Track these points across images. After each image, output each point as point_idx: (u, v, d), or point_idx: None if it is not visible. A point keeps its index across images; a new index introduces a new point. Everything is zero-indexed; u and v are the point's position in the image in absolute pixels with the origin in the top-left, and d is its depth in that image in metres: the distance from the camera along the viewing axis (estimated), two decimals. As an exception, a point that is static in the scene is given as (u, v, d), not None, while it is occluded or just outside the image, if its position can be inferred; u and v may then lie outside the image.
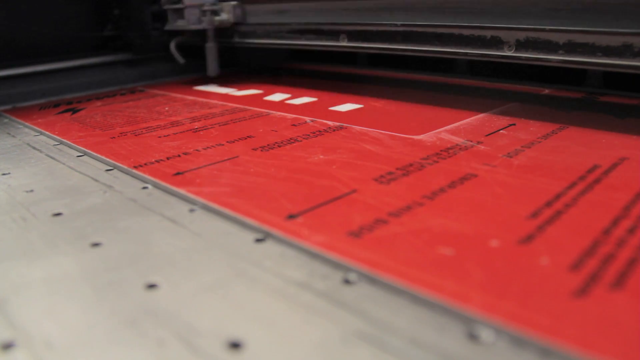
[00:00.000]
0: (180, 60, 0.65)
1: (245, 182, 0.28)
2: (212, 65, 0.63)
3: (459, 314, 0.17)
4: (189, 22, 0.61)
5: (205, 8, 0.60)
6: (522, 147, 0.32)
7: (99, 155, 0.35)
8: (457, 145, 0.33)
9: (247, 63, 0.75)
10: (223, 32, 0.62)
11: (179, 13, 0.62)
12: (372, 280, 0.19)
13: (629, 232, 0.21)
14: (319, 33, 0.52)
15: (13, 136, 0.43)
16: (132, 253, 0.22)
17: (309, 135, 0.37)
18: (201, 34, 0.62)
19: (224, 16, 0.60)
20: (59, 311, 0.18)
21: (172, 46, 0.65)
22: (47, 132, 0.42)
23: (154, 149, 0.35)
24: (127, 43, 0.71)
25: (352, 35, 0.49)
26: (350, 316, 0.17)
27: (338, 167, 0.30)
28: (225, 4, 0.60)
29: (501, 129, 0.36)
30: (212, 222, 0.25)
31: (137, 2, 0.71)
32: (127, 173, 0.32)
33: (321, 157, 0.32)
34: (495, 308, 0.17)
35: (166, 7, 0.63)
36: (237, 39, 0.62)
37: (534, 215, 0.23)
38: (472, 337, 0.16)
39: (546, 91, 0.48)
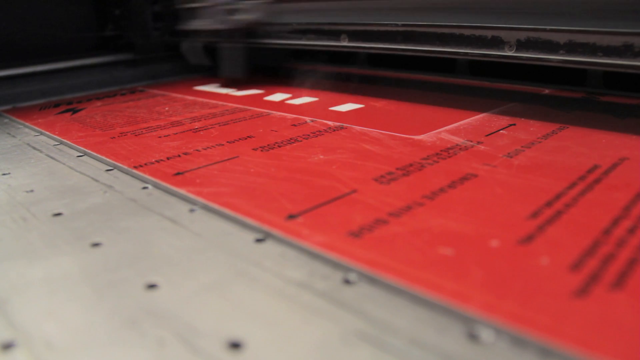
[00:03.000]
0: (208, 62, 0.62)
1: (246, 182, 0.28)
2: (238, 66, 0.58)
3: (459, 314, 0.17)
4: (214, 21, 0.57)
5: (232, 7, 0.57)
6: (522, 147, 0.32)
7: (99, 156, 0.35)
8: (457, 145, 0.33)
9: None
10: (243, 32, 0.60)
11: (194, 13, 0.59)
12: (372, 280, 0.19)
13: (629, 232, 0.21)
14: (319, 33, 0.52)
15: (13, 136, 0.43)
16: (132, 253, 0.22)
17: (309, 135, 0.37)
18: (218, 34, 0.59)
19: (250, 15, 0.56)
20: (59, 311, 0.18)
21: (198, 48, 0.62)
22: (47, 132, 0.42)
23: (154, 149, 0.35)
24: (127, 43, 0.71)
25: (353, 35, 0.49)
26: (350, 316, 0.17)
27: (338, 167, 0.30)
28: (253, 2, 0.57)
29: (501, 129, 0.36)
30: (212, 222, 0.25)
31: (138, 2, 0.71)
32: (127, 173, 0.32)
33: (321, 157, 0.32)
34: (495, 308, 0.17)
35: (182, 5, 0.61)
36: (260, 40, 0.59)
37: (534, 215, 0.23)
38: (472, 337, 0.16)
39: (546, 91, 0.48)
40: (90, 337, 0.17)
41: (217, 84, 0.61)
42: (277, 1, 0.56)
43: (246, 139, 0.37)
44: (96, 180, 0.31)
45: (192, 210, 0.26)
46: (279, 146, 0.35)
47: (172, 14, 0.71)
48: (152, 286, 0.19)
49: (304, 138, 0.36)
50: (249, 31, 0.58)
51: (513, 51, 0.38)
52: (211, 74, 0.67)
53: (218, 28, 0.58)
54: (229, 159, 0.32)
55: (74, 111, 0.50)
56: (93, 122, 0.45)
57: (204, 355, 0.16)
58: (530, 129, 0.36)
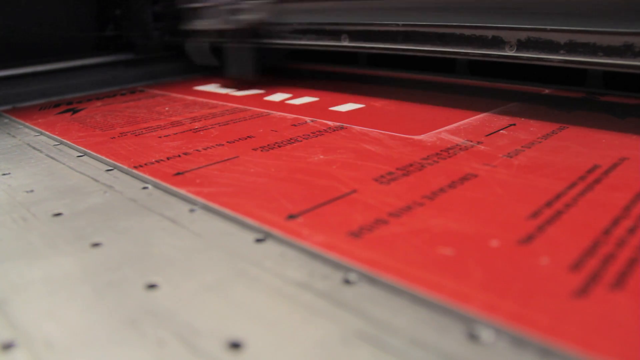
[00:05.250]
0: (215, 62, 0.61)
1: (246, 182, 0.28)
2: (248, 67, 0.57)
3: (459, 314, 0.17)
4: (220, 20, 0.56)
5: (237, 7, 0.56)
6: (522, 147, 0.32)
7: (99, 156, 0.35)
8: (457, 145, 0.33)
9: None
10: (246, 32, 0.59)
11: (200, 12, 0.58)
12: (372, 280, 0.19)
13: (629, 232, 0.21)
14: (320, 33, 0.52)
15: (13, 136, 0.43)
16: (132, 253, 0.22)
17: (309, 135, 0.37)
18: (222, 34, 0.58)
19: (257, 15, 0.55)
20: (59, 311, 0.18)
21: (207, 49, 0.61)
22: (47, 132, 0.42)
23: (154, 149, 0.35)
24: (128, 43, 0.71)
25: (353, 35, 0.49)
26: (350, 316, 0.17)
27: (338, 167, 0.30)
28: (258, 2, 0.56)
29: (501, 129, 0.36)
30: (212, 222, 0.25)
31: (139, 2, 0.71)
32: (127, 173, 0.32)
33: (321, 157, 0.32)
34: (495, 308, 0.17)
35: (187, 5, 0.60)
36: (266, 39, 0.59)
37: (534, 215, 0.23)
38: (472, 337, 0.16)
39: (546, 91, 0.48)
40: (90, 337, 0.17)
41: (217, 84, 0.61)
42: (282, 1, 0.56)
43: (246, 139, 0.37)
44: (96, 180, 0.31)
45: (192, 210, 0.26)
46: (279, 146, 0.35)
47: (174, 14, 0.71)
48: (152, 286, 0.19)
49: (304, 138, 0.36)
50: (256, 31, 0.57)
51: (513, 51, 0.38)
52: (214, 74, 0.67)
53: (224, 28, 0.57)
54: (229, 159, 0.32)
55: (74, 111, 0.50)
56: (93, 122, 0.45)
57: (204, 355, 0.16)
58: (530, 129, 0.36)
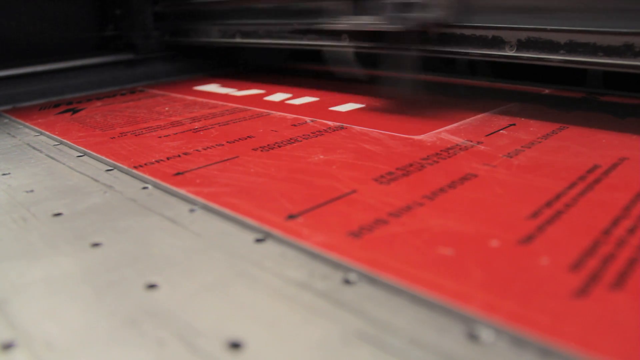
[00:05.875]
0: (362, 72, 0.48)
1: (245, 182, 0.28)
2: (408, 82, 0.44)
3: (459, 314, 0.17)
4: (388, 19, 0.41)
5: (409, 0, 0.40)
6: (522, 147, 0.32)
7: (99, 156, 0.35)
8: (457, 145, 0.33)
9: (247, 63, 0.75)
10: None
11: (361, 7, 0.44)
12: (372, 280, 0.19)
13: (629, 232, 0.21)
14: (320, 33, 0.52)
15: (13, 136, 0.43)
16: (132, 253, 0.22)
17: (309, 135, 0.37)
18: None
19: (436, 13, 0.41)
20: (59, 311, 0.18)
21: (351, 56, 0.47)
22: (47, 132, 0.42)
23: (154, 149, 0.35)
24: (128, 43, 0.71)
25: (354, 35, 0.49)
26: (350, 316, 0.17)
27: (338, 167, 0.30)
28: None
29: (501, 129, 0.36)
30: (212, 222, 0.25)
31: (139, 2, 0.71)
32: (127, 173, 0.32)
33: (321, 157, 0.32)
34: (495, 308, 0.17)
35: None
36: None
37: (534, 215, 0.23)
38: (472, 337, 0.16)
39: (546, 91, 0.48)
40: (90, 337, 0.17)
41: (217, 84, 0.61)
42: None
43: (246, 139, 0.37)
44: (96, 180, 0.31)
45: (192, 210, 0.26)
46: (279, 146, 0.35)
47: (174, 14, 0.70)
48: (152, 286, 0.19)
49: (304, 138, 0.36)
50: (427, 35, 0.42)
51: (514, 51, 0.38)
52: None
53: (386, 29, 0.41)
54: (229, 159, 0.32)
55: (74, 111, 0.50)
56: (93, 122, 0.45)
57: (204, 355, 0.16)
58: (530, 129, 0.36)
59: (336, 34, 0.49)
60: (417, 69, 0.43)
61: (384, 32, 0.42)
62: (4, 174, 0.33)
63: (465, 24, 0.41)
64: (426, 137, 0.35)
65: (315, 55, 0.70)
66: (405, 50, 0.42)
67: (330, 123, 0.40)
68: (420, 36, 0.42)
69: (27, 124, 0.46)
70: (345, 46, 0.50)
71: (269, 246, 0.22)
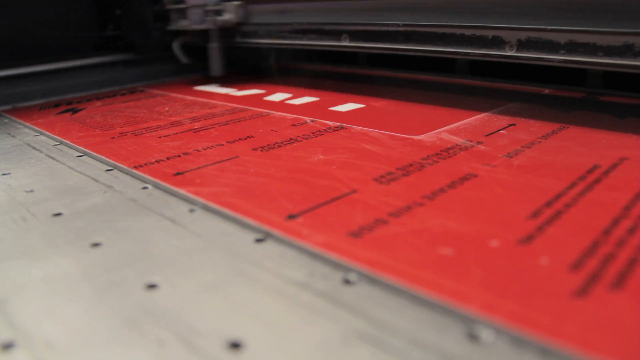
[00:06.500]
0: (184, 59, 0.66)
1: (245, 182, 0.28)
2: (215, 65, 0.62)
3: (459, 314, 0.17)
4: (192, 22, 0.61)
5: (208, 8, 0.60)
6: (522, 147, 0.32)
7: (99, 156, 0.35)
8: (457, 145, 0.33)
9: (247, 63, 0.75)
10: (226, 32, 0.62)
11: (182, 13, 0.62)
12: (372, 280, 0.19)
13: (629, 232, 0.21)
14: (320, 33, 0.52)
15: (13, 136, 0.43)
16: (132, 253, 0.22)
17: (309, 135, 0.37)
18: (204, 34, 0.62)
19: (227, 16, 0.60)
20: (59, 311, 0.18)
21: (176, 46, 0.66)
22: (47, 132, 0.42)
23: (154, 149, 0.35)
24: (128, 43, 0.71)
25: (354, 35, 0.49)
26: (350, 316, 0.17)
27: (338, 167, 0.30)
28: (228, 3, 0.60)
29: (501, 129, 0.36)
30: (212, 222, 0.25)
31: (139, 2, 0.71)
32: (127, 173, 0.32)
33: (321, 157, 0.32)
34: (495, 308, 0.17)
35: (169, 7, 0.63)
36: (239, 39, 0.62)
37: (534, 215, 0.23)
38: (472, 337, 0.16)
39: (546, 91, 0.48)
40: (90, 337, 0.17)
41: (217, 84, 0.61)
42: (280, 1, 0.56)
43: (246, 139, 0.37)
44: (96, 181, 0.31)
45: (192, 210, 0.26)
46: (279, 146, 0.35)
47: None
48: (152, 286, 0.19)
49: (304, 138, 0.36)
50: (229, 31, 0.61)
51: (514, 51, 0.38)
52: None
53: (201, 28, 0.61)
54: (228, 159, 0.32)
55: (74, 111, 0.50)
56: (93, 122, 0.45)
57: (204, 355, 0.16)
58: (530, 129, 0.36)
59: (337, 34, 0.50)
60: (223, 56, 0.62)
61: (199, 30, 0.61)
62: (4, 174, 0.33)
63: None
64: (426, 137, 0.35)
65: (316, 55, 0.70)
66: (214, 42, 0.60)
67: (330, 123, 0.40)
68: (222, 32, 0.60)
69: (27, 124, 0.46)
70: (347, 46, 0.50)
71: (269, 246, 0.22)
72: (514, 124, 0.37)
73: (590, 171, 0.27)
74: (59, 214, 0.26)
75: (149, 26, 0.71)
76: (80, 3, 0.70)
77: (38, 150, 0.38)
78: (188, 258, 0.21)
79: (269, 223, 0.23)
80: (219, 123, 0.42)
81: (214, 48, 0.61)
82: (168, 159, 0.33)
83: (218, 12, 0.60)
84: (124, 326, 0.17)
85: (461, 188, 0.26)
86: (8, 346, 0.16)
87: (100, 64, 0.67)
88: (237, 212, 0.25)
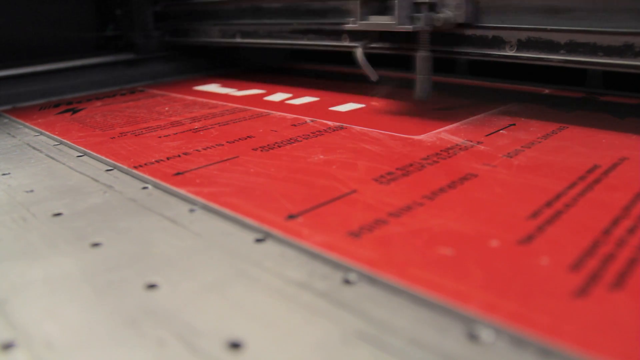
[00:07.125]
0: (374, 75, 0.44)
1: (245, 182, 0.28)
2: (424, 84, 0.42)
3: (459, 314, 0.17)
4: (400, 19, 0.39)
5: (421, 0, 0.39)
6: (522, 147, 0.32)
7: (99, 156, 0.35)
8: (457, 145, 0.33)
9: (247, 63, 0.75)
10: (439, 36, 0.43)
11: (373, 4, 0.42)
12: (372, 280, 0.19)
13: (629, 232, 0.21)
14: (320, 33, 0.52)
15: (13, 136, 0.43)
16: (132, 253, 0.22)
17: (309, 135, 0.37)
18: (408, 38, 0.43)
19: (448, 13, 0.40)
20: (59, 311, 0.18)
21: (359, 54, 0.44)
22: (47, 132, 0.42)
23: (154, 149, 0.35)
24: (128, 43, 0.71)
25: (354, 35, 0.49)
26: (350, 316, 0.17)
27: (338, 167, 0.30)
28: None
29: (501, 129, 0.36)
30: (212, 222, 0.25)
31: (139, 2, 0.71)
32: (127, 173, 0.32)
33: (321, 157, 0.32)
34: (495, 308, 0.17)
35: None
36: (463, 48, 0.42)
37: (534, 215, 0.23)
38: (472, 337, 0.16)
39: (546, 91, 0.48)
40: (90, 337, 0.17)
41: (217, 84, 0.61)
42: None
43: (246, 139, 0.37)
44: (96, 180, 0.31)
45: (192, 210, 0.26)
46: (279, 146, 0.35)
47: (174, 14, 0.70)
48: (152, 286, 0.19)
49: (304, 138, 0.36)
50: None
51: (514, 51, 0.38)
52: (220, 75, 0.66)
53: (409, 30, 0.40)
54: (228, 159, 0.32)
55: (74, 111, 0.50)
56: (93, 122, 0.45)
57: (204, 355, 0.16)
58: (530, 129, 0.36)
59: (337, 34, 0.50)
60: (429, 69, 0.42)
61: (394, 33, 0.42)
62: (4, 174, 0.33)
63: (476, 24, 0.40)
64: (426, 137, 0.35)
65: (315, 55, 0.70)
66: (413, 50, 0.42)
67: (330, 123, 0.40)
68: (430, 36, 0.41)
69: (27, 124, 0.46)
70: (348, 46, 0.50)
71: (269, 246, 0.22)
72: (514, 124, 0.37)
73: (590, 171, 0.27)
74: (59, 214, 0.26)
75: (149, 26, 0.71)
76: (80, 3, 0.70)
77: (38, 150, 0.38)
78: (188, 258, 0.21)
79: (269, 223, 0.23)
80: (219, 123, 0.42)
81: (424, 58, 0.41)
82: (168, 159, 0.33)
83: (432, 7, 0.40)
84: (124, 326, 0.17)
85: (461, 188, 0.26)
86: (8, 346, 0.16)
87: (100, 64, 0.67)
88: (237, 212, 0.25)
